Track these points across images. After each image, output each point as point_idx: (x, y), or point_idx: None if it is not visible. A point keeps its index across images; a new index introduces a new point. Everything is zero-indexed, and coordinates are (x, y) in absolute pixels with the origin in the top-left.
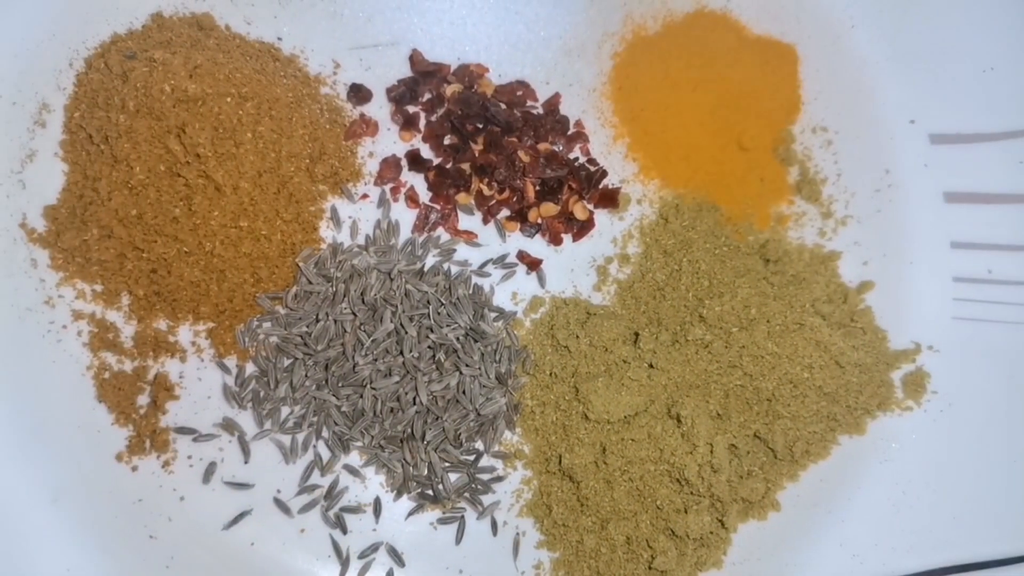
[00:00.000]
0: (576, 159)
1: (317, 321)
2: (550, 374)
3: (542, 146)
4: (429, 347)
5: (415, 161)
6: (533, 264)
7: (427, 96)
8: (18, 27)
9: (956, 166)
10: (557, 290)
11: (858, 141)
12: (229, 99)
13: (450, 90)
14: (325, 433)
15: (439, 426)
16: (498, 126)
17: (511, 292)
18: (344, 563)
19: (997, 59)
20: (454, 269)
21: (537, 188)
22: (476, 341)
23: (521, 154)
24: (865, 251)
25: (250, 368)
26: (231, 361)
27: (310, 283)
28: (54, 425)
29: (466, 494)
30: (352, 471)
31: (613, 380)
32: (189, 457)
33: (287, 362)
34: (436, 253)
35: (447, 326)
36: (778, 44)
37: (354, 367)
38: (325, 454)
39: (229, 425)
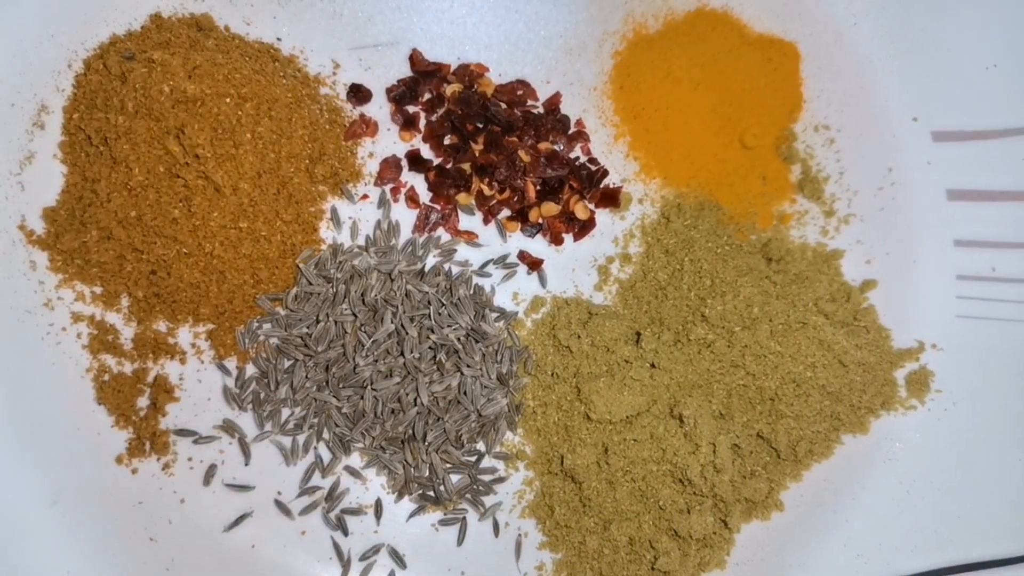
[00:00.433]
0: (577, 158)
1: (317, 322)
2: (552, 374)
3: (543, 145)
4: (430, 348)
5: (415, 161)
6: (534, 264)
7: (427, 96)
8: (16, 28)
9: (959, 164)
10: (558, 290)
11: (860, 139)
12: (228, 100)
13: (450, 90)
14: (326, 435)
15: (440, 427)
16: (498, 126)
17: (512, 292)
18: (345, 565)
19: (1000, 56)
20: (455, 269)
21: (538, 188)
22: (477, 342)
23: (522, 154)
24: (868, 249)
25: (250, 370)
26: (231, 363)
27: (310, 284)
28: (54, 427)
29: (468, 495)
30: (353, 473)
31: (615, 380)
32: (189, 459)
33: (287, 363)
34: (437, 253)
35: (448, 327)
36: (780, 42)
37: (355, 368)
38: (326, 456)
39: (229, 427)
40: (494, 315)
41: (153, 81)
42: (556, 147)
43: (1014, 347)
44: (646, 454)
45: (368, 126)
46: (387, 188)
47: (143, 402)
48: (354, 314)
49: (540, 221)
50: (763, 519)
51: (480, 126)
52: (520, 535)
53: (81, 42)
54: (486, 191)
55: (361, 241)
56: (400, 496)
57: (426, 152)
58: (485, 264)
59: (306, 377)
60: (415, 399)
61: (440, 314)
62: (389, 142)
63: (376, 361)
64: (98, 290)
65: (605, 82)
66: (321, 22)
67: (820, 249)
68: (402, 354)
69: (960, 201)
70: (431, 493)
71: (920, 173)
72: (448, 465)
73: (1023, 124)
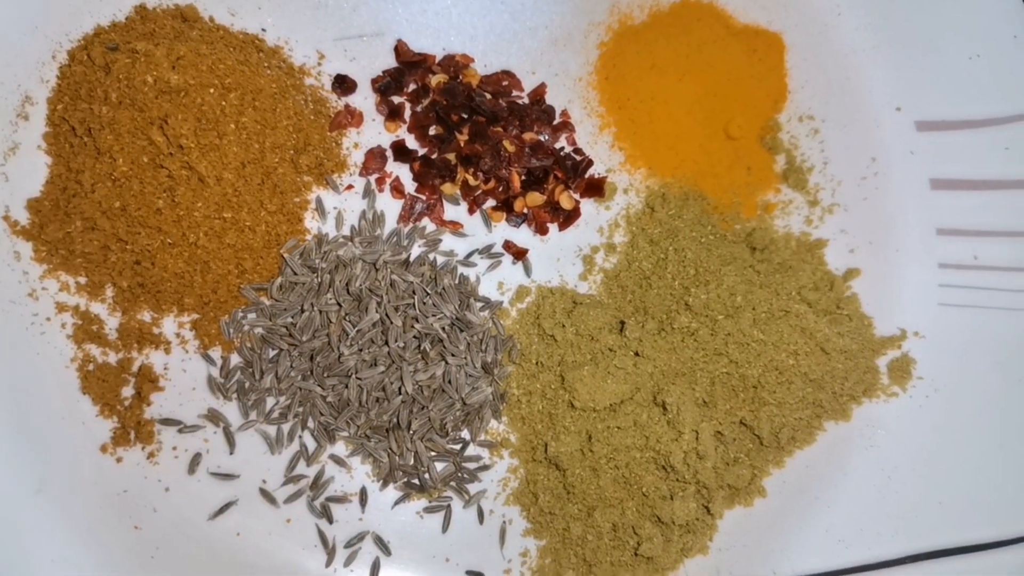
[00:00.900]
0: (562, 149)
1: (302, 312)
2: (536, 363)
3: (528, 136)
4: (415, 337)
5: (400, 152)
6: (519, 254)
7: (412, 87)
8: (0, 20)
9: (942, 153)
10: (543, 279)
11: (845, 129)
12: (212, 90)
13: (435, 80)
14: (311, 423)
15: (425, 415)
16: (483, 116)
17: (497, 282)
18: (330, 553)
19: (983, 46)
20: (440, 259)
21: (523, 178)
22: (462, 331)
23: (507, 144)
24: (851, 239)
25: (235, 359)
26: (216, 352)
27: (295, 274)
28: (38, 417)
29: (452, 483)
30: (338, 461)
31: (599, 368)
32: (174, 448)
33: (272, 353)
34: (422, 243)
35: (433, 316)
36: (765, 33)
37: (339, 357)
38: (311, 444)
39: (214, 416)
40: (479, 304)
41: (137, 72)
42: (541, 137)
43: (995, 334)
44: (629, 441)
45: (353, 117)
46: (372, 178)
47: (128, 391)
48: (339, 303)
49: (525, 211)
50: (746, 505)
51: (465, 116)
52: (504, 522)
53: (65, 33)
54: (471, 181)
55: (346, 231)
56: (385, 484)
57: (411, 142)
58: (470, 254)
59: (291, 366)
60: (399, 388)
61: (425, 303)
62: (374, 133)
63: (361, 350)
64: (82, 280)
65: (590, 73)
66: (306, 12)
67: (804, 238)
68: (386, 343)
69: (943, 190)
70: (416, 481)
71: (903, 162)
72: (433, 453)
73: (1005, 113)
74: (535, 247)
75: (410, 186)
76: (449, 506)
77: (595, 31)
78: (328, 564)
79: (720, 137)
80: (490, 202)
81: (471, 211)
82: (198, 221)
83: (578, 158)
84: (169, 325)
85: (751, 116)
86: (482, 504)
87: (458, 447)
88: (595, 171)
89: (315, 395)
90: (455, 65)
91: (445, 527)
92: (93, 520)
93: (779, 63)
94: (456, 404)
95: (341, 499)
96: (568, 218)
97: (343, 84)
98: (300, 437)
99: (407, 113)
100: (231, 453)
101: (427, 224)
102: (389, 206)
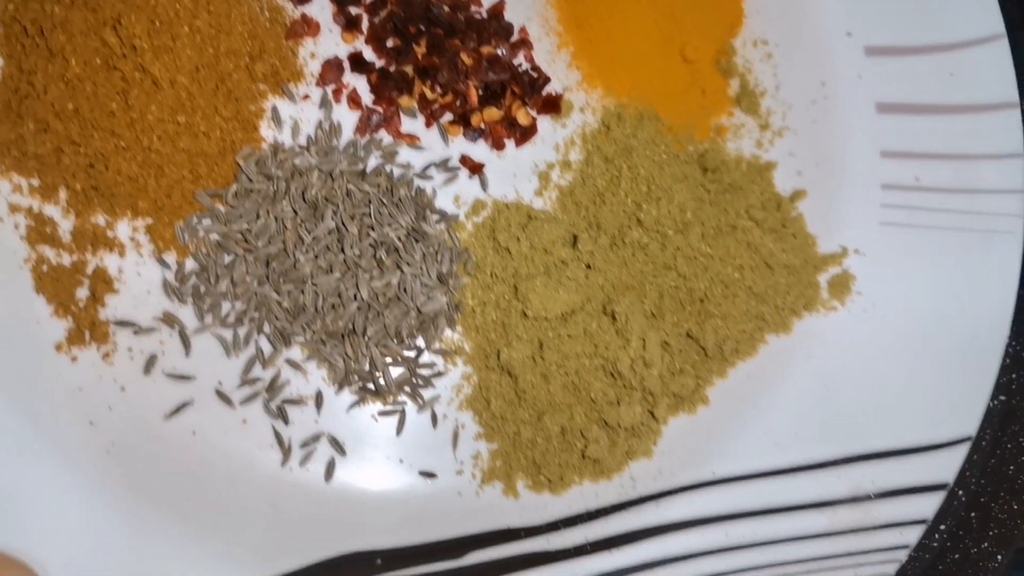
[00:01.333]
0: (520, 65)
1: (257, 218)
2: (491, 275)
3: (485, 49)
4: (370, 245)
5: (357, 63)
6: (475, 168)
7: None
8: None
9: (889, 78)
10: (499, 194)
11: (797, 54)
12: None
13: None
14: (267, 328)
15: (380, 322)
16: (441, 28)
17: (454, 195)
18: (286, 452)
19: None
20: (396, 171)
21: (480, 93)
22: (418, 242)
23: (464, 57)
24: (799, 161)
25: (190, 264)
26: (170, 257)
27: (251, 181)
28: None
29: (407, 388)
30: (294, 365)
31: (551, 279)
32: (129, 349)
33: (228, 259)
34: (378, 155)
35: (388, 225)
36: None
37: (295, 264)
38: (267, 348)
39: (169, 319)
40: (435, 217)
41: None
42: (499, 52)
43: (932, 252)
44: (579, 349)
45: (309, 26)
46: (329, 89)
47: (82, 293)
48: (295, 211)
49: (482, 126)
50: (690, 413)
51: (423, 29)
52: (458, 426)
53: None
54: (428, 94)
55: (302, 141)
56: (340, 388)
57: (368, 54)
58: (427, 167)
59: (246, 272)
60: (355, 294)
61: (381, 213)
62: (331, 43)
63: (316, 257)
64: (35, 182)
65: None
66: None
67: (754, 161)
68: (343, 251)
69: (888, 114)
70: (371, 386)
71: (851, 87)
72: (388, 359)
73: (951, 40)
74: (492, 162)
75: (367, 98)
76: (403, 410)
77: None
78: (284, 463)
79: (676, 59)
80: (447, 116)
81: (428, 124)
82: (152, 124)
83: (535, 75)
84: (123, 229)
85: (707, 40)
86: (436, 409)
87: (413, 354)
88: (552, 88)
89: (271, 300)
90: None
91: (399, 430)
92: (46, 415)
93: None
94: (411, 312)
95: (297, 401)
96: (525, 134)
97: None
98: (256, 341)
99: (364, 24)
100: (187, 355)
101: (384, 136)
102: (346, 117)
